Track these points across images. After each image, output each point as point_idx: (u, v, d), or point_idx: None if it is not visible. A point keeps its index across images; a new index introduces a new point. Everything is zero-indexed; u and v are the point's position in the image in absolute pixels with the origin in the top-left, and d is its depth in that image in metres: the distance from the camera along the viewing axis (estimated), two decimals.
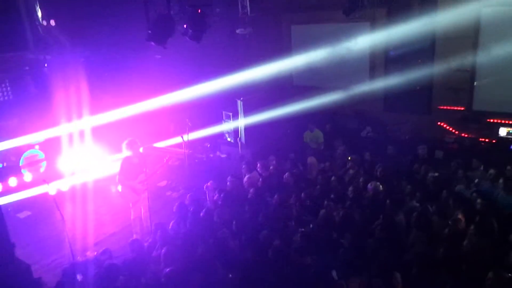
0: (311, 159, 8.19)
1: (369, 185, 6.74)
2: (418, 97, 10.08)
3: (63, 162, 9.85)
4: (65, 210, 8.28)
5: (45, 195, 8.42)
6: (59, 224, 6.67)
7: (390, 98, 10.55)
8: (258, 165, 8.11)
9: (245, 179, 7.87)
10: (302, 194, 6.86)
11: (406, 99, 10.13)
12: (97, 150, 10.25)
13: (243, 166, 8.12)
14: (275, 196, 6.82)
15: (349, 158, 8.15)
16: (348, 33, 9.98)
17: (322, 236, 5.70)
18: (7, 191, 8.99)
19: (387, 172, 7.33)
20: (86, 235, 7.78)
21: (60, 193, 9.07)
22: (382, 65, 10.53)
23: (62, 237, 6.72)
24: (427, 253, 4.96)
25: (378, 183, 6.70)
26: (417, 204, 6.31)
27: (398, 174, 7.45)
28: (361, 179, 7.15)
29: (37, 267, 6.79)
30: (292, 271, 4.96)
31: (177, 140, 9.81)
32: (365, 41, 9.97)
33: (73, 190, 9.45)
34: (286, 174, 7.59)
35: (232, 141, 10.30)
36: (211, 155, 10.36)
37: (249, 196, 7.10)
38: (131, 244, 5.98)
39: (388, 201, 6.25)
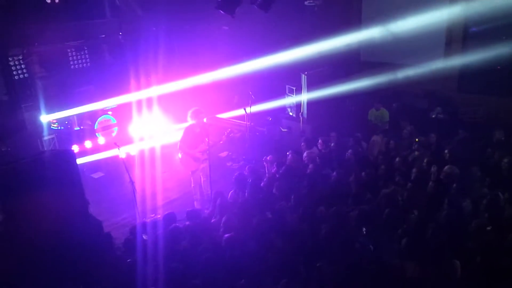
0: (375, 138, 7.99)
1: (433, 167, 6.50)
2: (499, 78, 9.40)
3: (133, 128, 10.37)
4: (134, 173, 8.71)
5: (116, 158, 8.95)
6: (128, 186, 7.05)
7: (465, 78, 9.91)
8: (320, 141, 8.05)
9: (305, 154, 7.85)
10: (363, 173, 6.74)
11: (484, 79, 9.50)
12: (164, 118, 10.65)
13: (303, 141, 8.10)
14: (334, 173, 6.75)
15: (416, 140, 7.86)
16: (424, 5, 9.43)
17: (380, 216, 5.58)
18: (83, 152, 9.70)
19: (456, 156, 7.03)
20: (151, 198, 8.18)
21: (129, 157, 9.59)
22: (459, 40, 9.88)
23: (130, 198, 7.10)
24: (494, 242, 4.75)
25: (449, 166, 6.42)
26: (487, 191, 5.98)
27: (468, 158, 7.07)
28: (426, 162, 6.91)
29: (107, 224, 7.29)
30: (344, 250, 4.96)
31: (239, 112, 9.92)
32: (442, 14, 9.40)
33: (141, 154, 9.94)
34: (349, 151, 7.47)
35: (294, 115, 10.26)
36: (272, 129, 10.46)
37: (308, 171, 7.10)
38: (188, 214, 6.20)
39: (454, 185, 5.96)
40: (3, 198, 4.96)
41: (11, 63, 8.71)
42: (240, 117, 10.14)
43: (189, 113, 7.32)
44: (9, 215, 4.97)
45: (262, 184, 6.85)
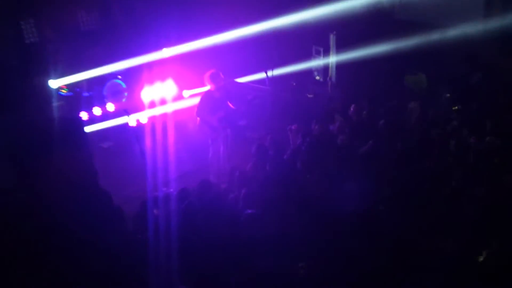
0: (412, 105, 7.84)
1: (472, 138, 6.43)
2: None
3: (144, 94, 10.30)
4: (144, 143, 8.68)
5: (126, 126, 8.91)
6: (138, 156, 7.00)
7: (508, 41, 9.43)
8: (351, 108, 7.88)
9: (334, 124, 7.72)
10: (398, 144, 6.59)
11: None
12: (177, 83, 10.55)
13: (332, 109, 7.95)
14: (366, 145, 6.61)
15: (455, 108, 7.66)
16: None
17: (415, 193, 5.47)
18: (92, 120, 9.65)
19: (499, 127, 6.88)
20: (164, 170, 8.08)
21: (140, 125, 9.51)
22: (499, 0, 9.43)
23: (141, 170, 7.05)
24: None
25: (490, 137, 6.27)
26: None
27: None
28: (466, 133, 6.85)
29: (117, 197, 7.19)
30: (375, 229, 4.92)
31: (260, 75, 9.83)
32: None
33: (152, 122, 9.84)
34: (382, 120, 7.27)
35: (321, 80, 10.11)
36: (297, 95, 10.35)
37: (338, 143, 6.99)
38: (200, 185, 6.19)
39: (496, 160, 5.86)
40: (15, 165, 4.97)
41: (23, 27, 8.71)
42: (261, 82, 10.06)
43: (207, 77, 7.37)
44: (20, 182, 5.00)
45: (285, 157, 6.78)
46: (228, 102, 7.54)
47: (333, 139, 7.26)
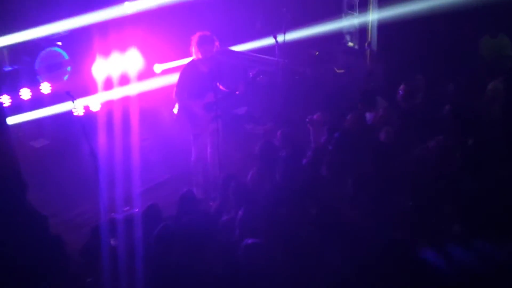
0: (493, 85, 7.84)
1: None
2: None
3: (96, 69, 10.30)
4: (96, 141, 8.71)
5: (69, 116, 8.95)
6: (89, 161, 6.98)
7: None
8: (400, 90, 7.87)
9: (375, 112, 7.73)
10: (470, 142, 6.67)
11: None
12: (145, 53, 10.54)
13: (372, 90, 8.00)
14: (429, 142, 6.59)
15: None
16: None
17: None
18: (18, 106, 9.62)
19: None
20: (125, 181, 8.13)
21: (90, 114, 9.58)
22: None
23: (92, 181, 7.03)
24: None
25: None
26: None
27: None
28: None
29: (56, 220, 7.28)
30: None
31: (267, 42, 9.87)
32: None
33: (108, 110, 9.90)
34: (446, 106, 7.27)
35: (356, 47, 10.21)
36: (321, 70, 10.38)
37: (381, 139, 6.98)
38: (182, 198, 6.28)
39: None
40: None
41: None
42: (269, 51, 10.12)
43: (194, 42, 7.54)
44: None
45: (304, 161, 6.80)
46: (219, 81, 7.61)
47: (373, 134, 7.26)
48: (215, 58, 7.70)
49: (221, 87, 7.63)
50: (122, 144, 9.09)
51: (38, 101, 9.79)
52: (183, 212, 6.17)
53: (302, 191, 6.14)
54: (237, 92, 7.78)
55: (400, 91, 7.92)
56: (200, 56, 7.48)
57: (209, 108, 7.54)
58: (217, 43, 7.58)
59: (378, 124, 7.49)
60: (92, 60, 10.20)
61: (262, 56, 10.76)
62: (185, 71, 7.59)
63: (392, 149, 6.75)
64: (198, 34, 7.51)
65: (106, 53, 10.30)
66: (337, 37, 10.58)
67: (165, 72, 10.39)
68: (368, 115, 7.81)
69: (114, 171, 8.26)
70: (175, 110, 7.81)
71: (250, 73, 8.01)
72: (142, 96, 10.27)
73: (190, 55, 7.70)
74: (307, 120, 7.73)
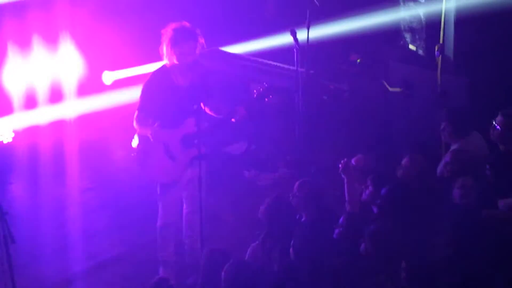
0: None
1: None
2: None
3: (7, 76, 10.41)
4: (9, 193, 8.89)
5: None
6: None
7: None
8: (497, 123, 7.86)
9: (448, 155, 7.76)
10: None
11: None
12: (88, 52, 10.68)
13: (446, 123, 7.98)
14: None
15: None
16: None
17: None
18: None
19: None
20: (55, 256, 8.25)
21: None
22: None
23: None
24: None
25: None
26: None
27: None
28: None
29: None
30: None
31: (282, 40, 9.94)
32: None
33: (29, 144, 10.08)
34: None
35: (420, 52, 10.23)
36: (363, 86, 10.41)
37: (456, 200, 7.01)
38: None
39: None
40: None
41: None
42: (284, 55, 10.12)
43: (165, 38, 7.55)
44: None
45: (335, 232, 6.78)
46: (203, 100, 7.61)
47: (445, 190, 7.27)
48: (199, 64, 7.70)
49: (207, 110, 7.68)
50: (48, 196, 9.25)
51: None
52: None
53: (331, 280, 6.16)
54: (233, 120, 7.75)
55: (496, 124, 7.81)
56: (175, 61, 7.46)
57: (188, 143, 7.55)
58: (201, 41, 7.57)
59: (449, 173, 7.53)
60: (1, 61, 10.34)
61: (273, 63, 10.86)
62: (151, 83, 7.59)
63: (473, 216, 6.73)
64: (172, 26, 7.50)
65: (23, 48, 10.43)
66: (390, 36, 10.56)
67: (119, 84, 10.51)
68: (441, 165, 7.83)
69: (35, 239, 8.39)
70: (134, 144, 7.68)
71: (254, 90, 7.90)
72: (83, 120, 10.42)
73: (159, 59, 7.69)
74: (340, 165, 7.67)
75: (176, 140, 7.53)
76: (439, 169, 7.73)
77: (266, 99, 8.06)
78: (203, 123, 7.44)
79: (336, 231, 6.82)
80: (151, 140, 7.50)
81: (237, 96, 9.34)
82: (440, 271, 6.04)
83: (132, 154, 7.71)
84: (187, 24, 7.50)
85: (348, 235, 6.75)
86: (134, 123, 7.56)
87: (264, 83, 7.92)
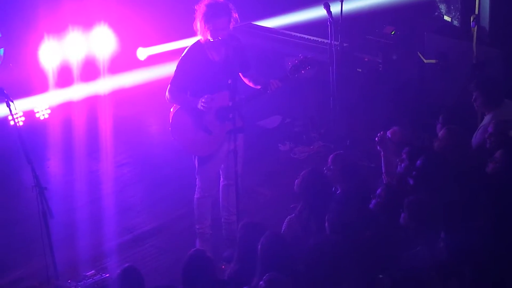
0: None
1: None
2: None
3: (44, 55, 10.43)
4: (46, 166, 8.96)
5: (2, 127, 9.11)
6: (32, 197, 7.04)
7: None
8: None
9: (484, 128, 7.64)
10: None
11: None
12: (121, 32, 10.73)
13: (478, 94, 7.88)
14: None
15: None
16: None
17: None
18: None
19: None
20: (91, 229, 8.28)
21: (35, 125, 9.79)
22: None
23: (38, 229, 7.04)
24: None
25: None
26: None
27: None
28: None
29: None
30: None
31: (315, 14, 9.91)
32: None
33: (64, 119, 10.14)
34: None
35: (455, 23, 10.10)
36: (399, 59, 10.34)
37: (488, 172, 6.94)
38: (190, 260, 6.16)
39: None
40: None
41: None
42: (318, 29, 10.15)
43: (198, 14, 7.48)
44: None
45: (372, 203, 6.75)
46: (238, 74, 7.60)
47: (481, 162, 7.16)
48: (233, 39, 7.63)
49: (246, 80, 7.69)
50: (85, 171, 9.31)
51: None
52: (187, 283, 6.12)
53: (368, 252, 6.11)
54: (268, 92, 7.72)
55: None
56: (209, 37, 7.43)
57: (224, 116, 7.56)
58: (235, 15, 7.50)
59: (489, 145, 7.40)
60: (38, 41, 10.40)
61: (307, 36, 10.78)
62: (186, 59, 7.56)
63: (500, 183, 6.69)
64: (205, 1, 7.42)
65: (59, 30, 10.43)
66: (425, 7, 10.54)
67: (154, 60, 10.52)
68: (477, 134, 7.79)
69: (72, 213, 8.44)
70: (171, 117, 7.63)
71: (289, 63, 7.84)
72: (117, 96, 10.44)
73: (193, 35, 7.66)
74: (376, 138, 7.64)
75: (211, 114, 7.51)
76: (476, 139, 7.68)
77: (303, 71, 8.04)
78: (238, 97, 7.43)
79: (373, 201, 6.77)
80: (185, 113, 7.54)
81: (271, 69, 9.32)
82: (478, 243, 6.02)
83: (169, 128, 7.68)
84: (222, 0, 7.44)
85: (386, 206, 6.72)
86: (167, 95, 7.55)
87: (300, 55, 7.88)
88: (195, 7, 7.42)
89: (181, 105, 7.55)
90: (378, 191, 6.87)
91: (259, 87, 7.66)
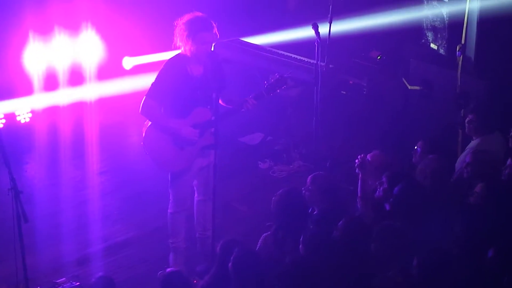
0: None
1: None
2: None
3: (28, 58, 10.41)
4: (24, 171, 8.93)
5: None
6: (8, 202, 6.99)
7: None
8: None
9: (472, 153, 7.52)
10: None
11: None
12: (109, 37, 10.74)
13: (468, 122, 7.90)
14: None
15: None
16: None
17: None
18: None
19: None
20: (66, 236, 8.27)
21: (15, 128, 9.77)
22: None
23: (11, 234, 7.02)
24: None
25: None
26: None
27: None
28: None
29: None
30: None
31: (303, 34, 9.92)
32: None
33: (47, 124, 10.11)
34: None
35: (441, 51, 10.14)
36: (383, 82, 10.35)
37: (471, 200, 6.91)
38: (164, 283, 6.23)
39: None
40: None
41: None
42: (304, 49, 10.18)
43: (179, 28, 7.47)
44: None
45: (335, 235, 6.62)
46: (218, 91, 7.43)
47: (462, 190, 7.18)
48: (213, 54, 7.59)
49: (220, 101, 7.59)
50: (63, 177, 9.29)
51: None
52: None
53: (340, 275, 6.12)
54: (243, 110, 7.68)
55: None
56: (189, 51, 7.43)
57: (202, 131, 7.57)
58: (215, 31, 7.51)
59: (467, 178, 7.38)
60: (23, 43, 10.38)
61: (293, 56, 10.78)
62: (166, 71, 7.57)
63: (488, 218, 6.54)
64: (187, 16, 7.44)
65: (45, 32, 10.42)
66: (412, 34, 10.55)
67: (139, 69, 10.54)
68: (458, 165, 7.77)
69: (48, 219, 8.40)
70: (145, 131, 7.61)
71: (265, 81, 7.77)
72: (101, 103, 10.43)
73: (175, 48, 7.63)
74: (356, 160, 7.60)
75: (185, 130, 7.50)
76: (457, 168, 7.72)
77: (278, 90, 8.04)
78: (217, 111, 7.41)
79: (335, 233, 6.74)
80: (159, 129, 7.52)
81: (252, 87, 9.25)
82: (451, 270, 6.02)
83: (141, 143, 7.66)
84: (201, 14, 7.47)
85: (348, 239, 6.69)
86: (142, 108, 7.48)
87: (276, 74, 7.87)
88: (175, 23, 7.45)
89: (155, 122, 7.51)
90: (340, 223, 6.79)
91: (230, 107, 7.65)
